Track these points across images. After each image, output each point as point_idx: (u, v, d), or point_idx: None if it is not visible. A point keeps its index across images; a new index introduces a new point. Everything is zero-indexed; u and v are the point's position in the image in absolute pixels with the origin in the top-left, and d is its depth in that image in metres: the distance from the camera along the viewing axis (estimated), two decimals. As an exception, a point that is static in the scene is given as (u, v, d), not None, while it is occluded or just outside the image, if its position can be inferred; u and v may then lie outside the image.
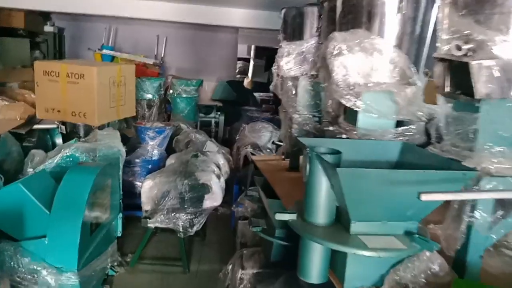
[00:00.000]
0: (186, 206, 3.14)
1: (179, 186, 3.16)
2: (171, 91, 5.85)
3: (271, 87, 2.69)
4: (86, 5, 5.80)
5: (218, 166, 3.65)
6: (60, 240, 2.03)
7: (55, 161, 2.82)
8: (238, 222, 3.10)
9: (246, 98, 7.07)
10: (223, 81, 7.44)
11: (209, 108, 6.52)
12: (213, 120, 6.44)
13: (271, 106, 7.56)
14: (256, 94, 8.02)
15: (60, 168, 2.84)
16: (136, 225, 3.56)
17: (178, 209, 3.16)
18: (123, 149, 3.05)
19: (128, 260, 3.23)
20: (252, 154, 3.69)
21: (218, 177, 3.30)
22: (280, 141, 2.81)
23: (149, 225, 3.14)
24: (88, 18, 7.24)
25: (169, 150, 4.30)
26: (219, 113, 6.50)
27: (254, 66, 8.99)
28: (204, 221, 3.21)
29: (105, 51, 6.35)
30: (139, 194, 3.77)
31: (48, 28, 6.85)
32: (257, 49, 11.25)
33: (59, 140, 3.79)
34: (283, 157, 2.92)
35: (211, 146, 3.93)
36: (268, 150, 3.88)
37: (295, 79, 2.57)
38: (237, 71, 8.84)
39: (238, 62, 8.93)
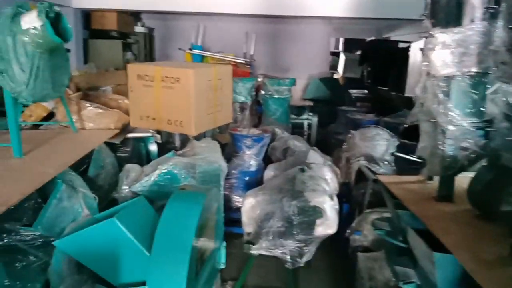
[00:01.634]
0: (294, 232, 2.66)
1: (285, 207, 2.69)
2: (262, 92, 5.42)
3: (417, 90, 2.08)
4: (175, 2, 5.60)
5: (326, 182, 3.11)
6: (163, 288, 1.65)
7: (152, 178, 2.50)
8: (359, 256, 2.55)
9: (341, 97, 6.43)
10: (316, 78, 6.88)
11: (301, 109, 6.01)
12: (305, 122, 5.91)
13: (366, 105, 6.86)
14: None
15: (158, 187, 2.52)
16: (232, 242, 3.18)
17: (284, 235, 2.69)
18: (224, 164, 2.66)
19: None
20: (368, 168, 3.10)
21: (331, 197, 2.77)
22: (420, 157, 2.19)
23: (253, 251, 2.71)
24: (176, 17, 7.13)
25: (264, 158, 3.88)
26: (311, 114, 5.96)
27: (346, 60, 8.26)
28: (314, 250, 2.71)
29: (195, 51, 6.10)
30: (236, 208, 3.40)
31: (139, 29, 6.82)
32: (347, 41, 10.50)
33: (153, 148, 3.53)
34: (422, 177, 2.31)
35: (315, 157, 3.40)
36: (386, 163, 3.25)
37: (448, 78, 1.94)
38: (327, 66, 8.22)
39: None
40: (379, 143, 3.37)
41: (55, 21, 2.34)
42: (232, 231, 3.24)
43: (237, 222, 3.02)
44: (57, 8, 2.36)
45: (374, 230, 2.23)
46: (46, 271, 1.94)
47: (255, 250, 2.71)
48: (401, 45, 6.31)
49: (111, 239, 1.69)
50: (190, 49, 6.41)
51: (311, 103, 6.45)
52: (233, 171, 3.58)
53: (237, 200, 3.53)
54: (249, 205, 2.85)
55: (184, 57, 6.58)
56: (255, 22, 7.07)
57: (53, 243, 1.77)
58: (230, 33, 7.08)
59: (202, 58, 6.24)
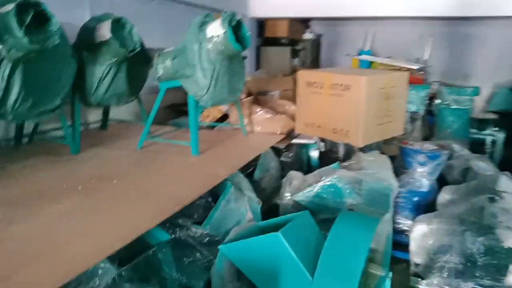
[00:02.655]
0: (477, 274, 2.21)
1: (468, 243, 2.26)
2: (437, 101, 4.83)
3: None
4: (345, 7, 5.45)
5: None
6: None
7: (315, 190, 2.39)
8: None
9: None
10: (504, 87, 5.86)
11: (483, 123, 5.16)
12: (488, 138, 5.05)
13: None
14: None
15: (319, 199, 2.41)
16: (393, 268, 2.85)
17: (463, 275, 2.25)
18: (395, 184, 2.39)
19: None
20: None
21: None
22: None
23: (421, 286, 2.35)
24: (345, 22, 6.98)
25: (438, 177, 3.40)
26: (497, 129, 5.06)
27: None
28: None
29: (363, 57, 5.84)
30: (400, 231, 3.06)
31: (307, 35, 6.89)
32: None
33: (314, 155, 3.43)
34: None
35: (509, 184, 2.80)
36: None
37: None
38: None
39: None
40: None
41: (235, 29, 2.43)
42: (394, 254, 2.92)
43: (400, 246, 2.71)
44: (239, 17, 2.45)
45: None
46: (209, 270, 2.00)
47: (424, 286, 2.35)
48: None
49: (273, 253, 1.63)
50: (358, 54, 6.17)
51: (496, 116, 5.50)
52: (401, 189, 3.22)
53: (402, 222, 3.17)
54: (421, 233, 2.49)
55: (350, 64, 6.37)
56: (430, 24, 6.41)
57: (218, 247, 1.80)
58: (401, 37, 6.57)
59: (370, 64, 5.93)
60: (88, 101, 2.73)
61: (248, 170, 2.79)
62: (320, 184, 2.39)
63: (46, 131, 2.89)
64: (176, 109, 4.04)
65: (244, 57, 2.85)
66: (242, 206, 2.24)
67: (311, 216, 1.87)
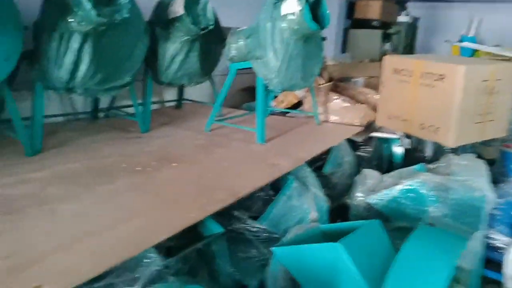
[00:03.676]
0: None
1: None
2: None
3: None
4: (450, -12, 4.83)
5: None
6: None
7: (392, 193, 2.09)
8: None
9: None
10: None
11: None
12: None
13: None
14: None
15: (396, 204, 2.11)
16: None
17: None
18: (491, 195, 2.00)
19: None
20: None
21: None
22: None
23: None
24: (447, 5, 6.27)
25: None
26: None
27: None
28: None
29: (466, 44, 5.17)
30: (494, 248, 2.63)
31: (402, 18, 6.29)
32: None
33: (398, 151, 3.06)
34: None
35: None
36: None
37: None
38: None
39: None
40: None
41: (314, 7, 2.19)
42: (485, 273, 2.52)
43: (493, 264, 2.31)
44: (319, -8, 2.20)
45: None
46: (264, 268, 1.84)
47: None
48: None
49: (332, 264, 1.41)
50: (459, 41, 5.48)
51: None
52: (498, 200, 2.76)
53: (497, 237, 2.72)
54: (518, 255, 2.08)
55: (449, 52, 5.70)
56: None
57: (271, 248, 1.63)
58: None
59: (473, 53, 5.22)
60: (159, 79, 2.69)
61: (318, 163, 2.56)
62: (399, 187, 2.08)
63: (122, 107, 2.94)
64: (252, 92, 3.91)
65: (323, 38, 2.59)
66: (306, 203, 2.03)
67: (382, 227, 1.60)
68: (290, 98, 3.42)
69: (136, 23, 2.28)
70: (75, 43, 1.94)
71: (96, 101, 2.80)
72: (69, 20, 1.87)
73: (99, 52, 2.04)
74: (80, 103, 2.79)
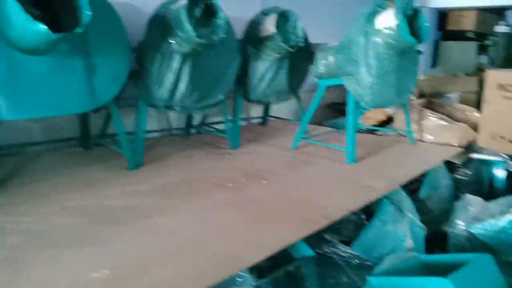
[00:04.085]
0: None
1: None
2: None
3: None
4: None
5: None
6: None
7: (500, 223, 1.88)
8: None
9: None
10: None
11: None
12: None
13: None
14: None
15: (506, 236, 1.89)
16: None
17: None
18: None
19: None
20: None
21: None
22: None
23: None
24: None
25: None
26: None
27: None
28: None
29: None
30: None
31: (500, 28, 5.78)
32: None
33: (500, 175, 2.78)
34: None
35: None
36: None
37: None
38: None
39: None
40: None
41: (411, 20, 2.08)
42: None
43: None
44: (416, 5, 2.08)
45: None
46: (357, 296, 1.75)
47: None
48: None
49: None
50: None
51: None
52: None
53: None
54: None
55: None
56: None
57: (367, 277, 1.54)
58: None
59: None
60: (249, 96, 2.73)
61: (412, 186, 2.40)
62: (509, 217, 1.87)
63: (212, 123, 3.03)
64: (337, 108, 3.82)
65: (419, 52, 2.45)
66: (401, 230, 1.90)
67: (495, 262, 1.43)
68: (378, 115, 3.28)
69: (230, 43, 2.34)
70: (175, 63, 2.05)
71: (189, 118, 2.92)
72: (171, 41, 1.98)
73: (196, 71, 2.13)
74: (175, 119, 2.93)
